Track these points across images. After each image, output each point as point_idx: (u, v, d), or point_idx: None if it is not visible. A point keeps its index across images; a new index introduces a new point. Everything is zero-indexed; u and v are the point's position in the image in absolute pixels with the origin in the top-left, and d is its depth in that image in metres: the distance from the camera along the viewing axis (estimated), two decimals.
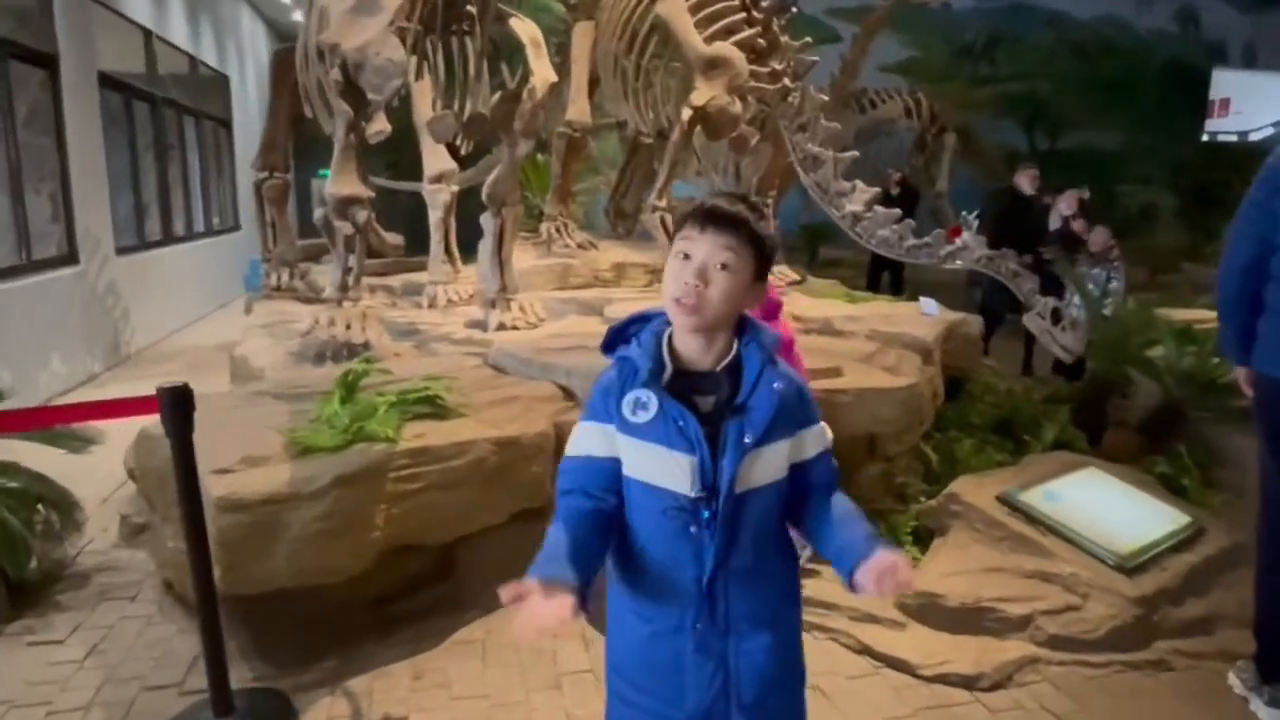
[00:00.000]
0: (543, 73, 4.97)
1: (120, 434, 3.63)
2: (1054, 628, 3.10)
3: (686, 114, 5.65)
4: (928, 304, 5.99)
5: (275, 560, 2.79)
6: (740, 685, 1.53)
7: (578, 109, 6.38)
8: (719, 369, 1.52)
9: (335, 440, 3.05)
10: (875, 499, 4.19)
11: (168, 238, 10.73)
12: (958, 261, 5.29)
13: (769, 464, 1.51)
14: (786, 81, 5.78)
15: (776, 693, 1.58)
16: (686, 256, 1.47)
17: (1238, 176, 19.16)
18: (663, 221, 5.91)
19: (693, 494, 1.47)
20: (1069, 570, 3.23)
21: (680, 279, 1.46)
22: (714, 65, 5.64)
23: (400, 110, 5.93)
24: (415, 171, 6.54)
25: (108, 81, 8.83)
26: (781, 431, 1.51)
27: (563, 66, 6.74)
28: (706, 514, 1.48)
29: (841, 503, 1.60)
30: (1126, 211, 18.25)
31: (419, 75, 5.13)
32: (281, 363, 4.67)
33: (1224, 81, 20.65)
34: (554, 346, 4.27)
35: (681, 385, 1.50)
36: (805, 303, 6.35)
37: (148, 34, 10.24)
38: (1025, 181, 7.32)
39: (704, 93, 5.63)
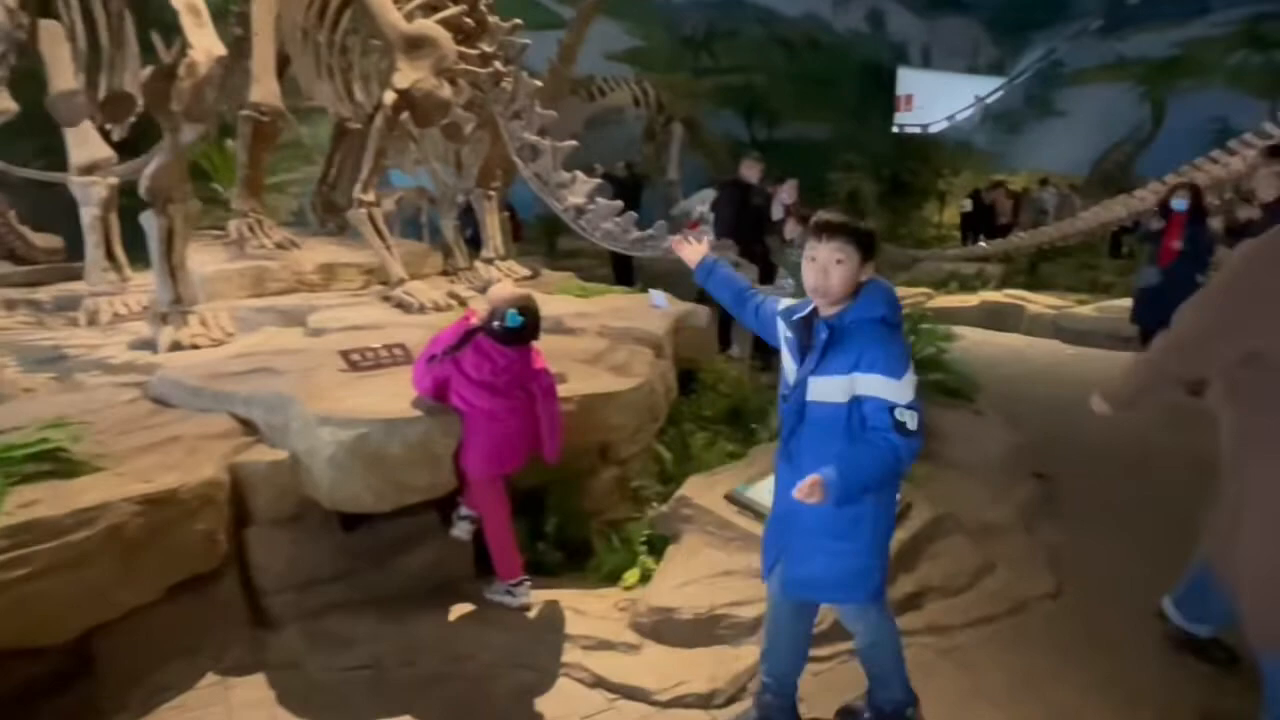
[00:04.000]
0: (204, 44, 4.22)
1: None
2: None
3: (389, 98, 5.12)
4: (657, 296, 5.93)
5: None
6: (801, 516, 2.32)
7: (263, 89, 5.60)
8: (828, 317, 2.25)
9: None
10: (610, 507, 4.00)
11: None
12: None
13: (827, 388, 2.24)
14: (498, 65, 5.42)
15: (822, 536, 2.33)
16: (813, 259, 2.24)
17: (924, 165, 21.74)
18: (370, 217, 5.34)
19: (789, 385, 2.36)
20: None
21: (811, 275, 2.25)
22: (417, 45, 5.15)
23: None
24: None
25: None
26: (832, 367, 2.22)
27: (246, 40, 5.92)
28: (785, 401, 2.37)
29: (855, 454, 2.20)
30: (836, 198, 19.86)
31: (55, 40, 4.18)
32: None
33: (907, 79, 23.23)
34: (233, 370, 3.62)
35: (810, 323, 2.29)
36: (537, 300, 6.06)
37: None
38: (750, 171, 7.54)
39: (408, 75, 5.12)
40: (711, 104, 19.44)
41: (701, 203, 9.97)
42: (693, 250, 2.85)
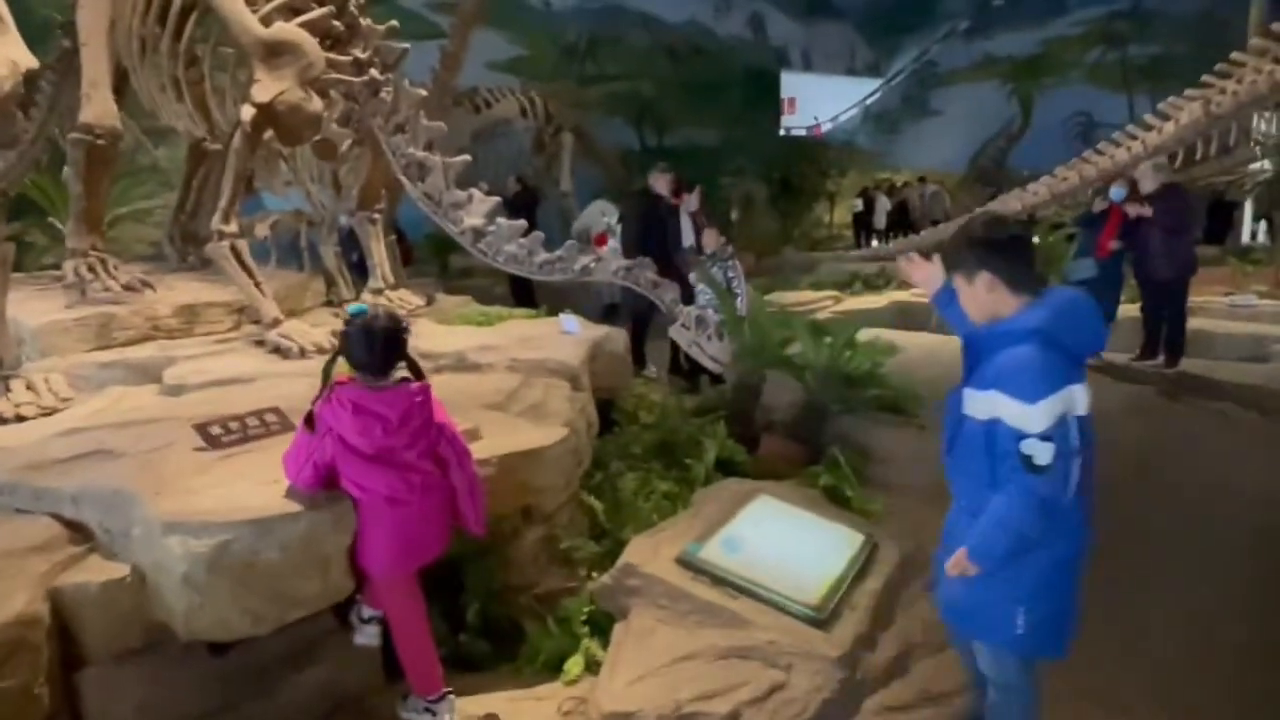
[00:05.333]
0: (6, 54, 3.46)
1: None
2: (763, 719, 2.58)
3: (248, 114, 4.43)
4: (568, 321, 5.43)
5: None
6: (951, 534, 2.37)
7: (96, 108, 4.79)
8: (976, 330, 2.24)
9: None
10: (540, 577, 3.46)
11: None
12: (594, 275, 4.73)
13: (973, 402, 2.17)
14: (374, 73, 4.80)
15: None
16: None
17: (812, 167, 21.98)
18: (234, 250, 4.62)
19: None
20: (766, 639, 2.75)
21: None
22: (277, 52, 4.48)
23: None
24: None
25: None
26: (975, 382, 2.17)
27: (75, 53, 5.09)
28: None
29: (992, 512, 2.11)
30: (729, 203, 19.83)
31: None
32: None
33: (790, 82, 23.48)
34: (58, 455, 2.89)
35: None
36: (433, 332, 5.45)
37: None
38: (659, 183, 7.10)
39: (268, 86, 4.44)
40: (600, 112, 19.05)
41: (602, 214, 9.53)
42: (928, 272, 2.54)
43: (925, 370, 7.78)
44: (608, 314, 9.11)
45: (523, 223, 4.75)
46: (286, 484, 2.48)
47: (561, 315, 5.59)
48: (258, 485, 2.51)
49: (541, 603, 3.28)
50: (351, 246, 7.58)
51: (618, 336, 5.58)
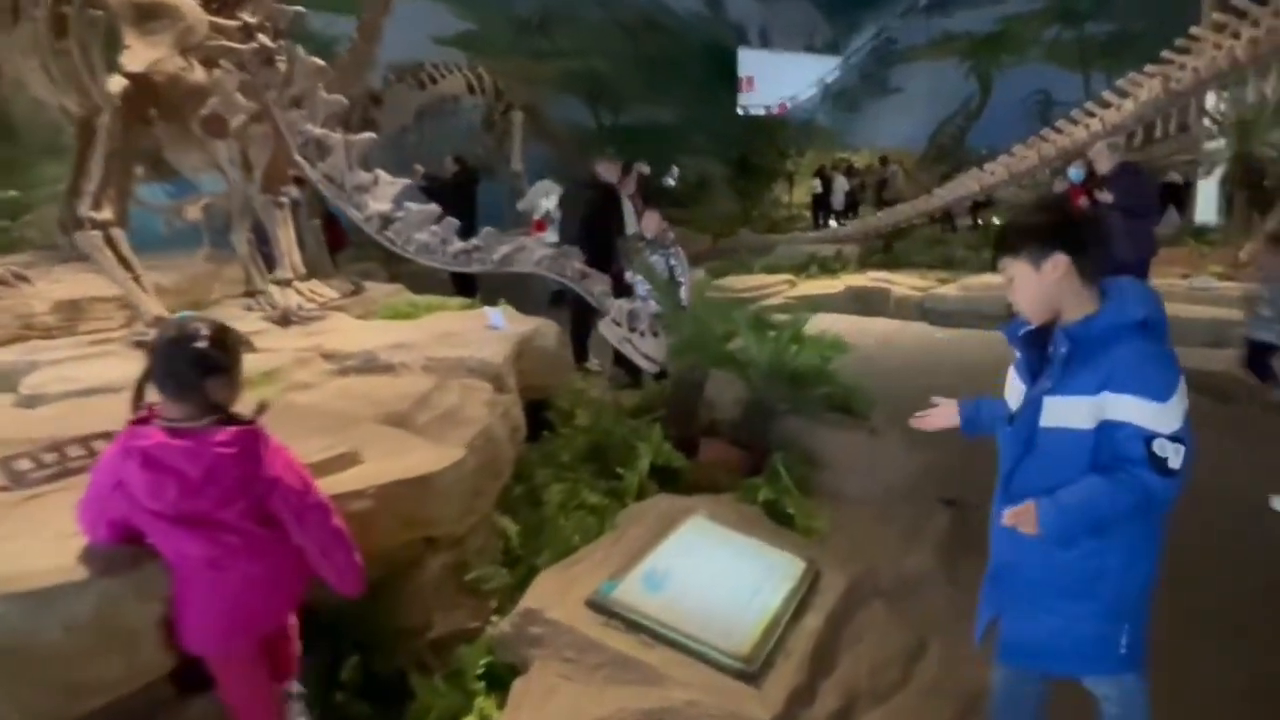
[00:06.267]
0: None
1: None
2: None
3: (117, 85, 3.91)
4: (494, 315, 4.97)
5: None
6: (1024, 567, 2.02)
7: None
8: (1060, 328, 1.93)
9: None
10: (441, 615, 3.02)
11: None
12: (515, 266, 4.28)
13: (1067, 411, 1.89)
14: (265, 39, 4.27)
15: (1053, 595, 1.98)
16: (1010, 279, 1.99)
17: (770, 146, 21.60)
18: (109, 240, 4.10)
19: (1012, 409, 2.05)
20: (685, 699, 2.35)
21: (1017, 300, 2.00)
22: (151, 15, 3.96)
23: None
24: None
25: None
26: (1074, 386, 1.87)
27: None
28: (1010, 428, 2.02)
29: (1089, 484, 1.86)
30: (686, 182, 19.40)
31: None
32: None
33: (748, 60, 23.05)
34: None
35: (1043, 336, 1.97)
36: (345, 329, 4.97)
37: None
38: (607, 172, 6.63)
39: (140, 53, 3.92)
40: (553, 90, 18.45)
41: (545, 195, 9.02)
42: (943, 415, 2.39)
43: (882, 360, 7.48)
44: (556, 301, 8.64)
45: (434, 208, 4.27)
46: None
47: (487, 308, 5.13)
48: (57, 540, 2.03)
49: (438, 649, 2.86)
50: None
51: (549, 331, 5.14)
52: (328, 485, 2.55)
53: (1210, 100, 10.03)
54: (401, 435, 3.08)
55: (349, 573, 2.20)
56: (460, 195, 8.91)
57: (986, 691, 2.73)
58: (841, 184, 18.04)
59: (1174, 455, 1.79)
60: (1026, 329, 2.03)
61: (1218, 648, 3.02)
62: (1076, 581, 1.95)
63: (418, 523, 2.74)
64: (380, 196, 4.23)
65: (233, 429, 1.95)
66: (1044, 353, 1.96)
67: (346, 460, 2.70)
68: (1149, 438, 1.79)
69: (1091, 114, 9.35)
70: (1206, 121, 10.35)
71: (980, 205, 13.66)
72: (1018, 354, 2.09)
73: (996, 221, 13.33)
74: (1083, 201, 7.00)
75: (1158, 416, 1.79)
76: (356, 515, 2.52)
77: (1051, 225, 1.90)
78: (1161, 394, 1.80)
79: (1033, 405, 1.94)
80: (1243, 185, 9.11)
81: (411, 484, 2.64)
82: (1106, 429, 1.84)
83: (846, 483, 3.98)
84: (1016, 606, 2.08)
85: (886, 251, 12.64)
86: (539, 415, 4.75)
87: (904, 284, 9.71)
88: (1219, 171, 9.90)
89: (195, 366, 1.93)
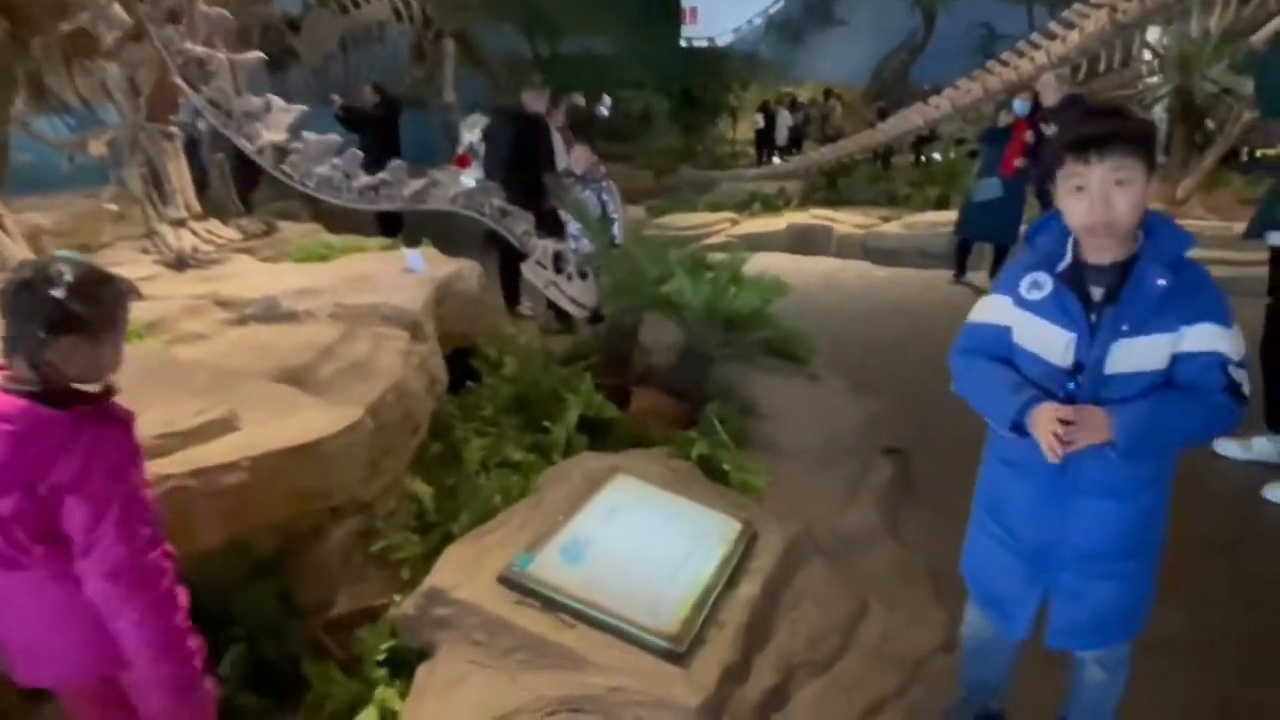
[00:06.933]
0: None
1: None
2: None
3: None
4: (413, 256, 4.60)
5: None
6: (1075, 538, 1.82)
7: None
8: (1113, 263, 1.71)
9: None
10: (347, 590, 2.76)
11: None
12: (428, 202, 3.91)
13: (1145, 354, 1.69)
14: None
15: (1109, 558, 1.82)
16: (1080, 189, 1.66)
17: (713, 79, 21.02)
18: None
19: (1064, 365, 1.74)
20: (608, 684, 2.14)
21: (1082, 211, 1.66)
22: None
23: None
24: None
25: None
26: (1161, 324, 1.68)
27: None
28: (1072, 385, 1.74)
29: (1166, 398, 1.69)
30: (628, 116, 18.81)
31: None
32: None
33: None
34: None
35: (1079, 274, 1.74)
36: (248, 272, 4.57)
37: None
38: (535, 102, 6.17)
39: None
40: (487, 17, 17.52)
41: (470, 129, 8.48)
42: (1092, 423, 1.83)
43: (824, 297, 7.30)
44: (490, 241, 8.22)
45: (335, 138, 3.86)
46: None
47: (405, 249, 4.75)
48: None
49: (338, 630, 2.59)
50: (197, 164, 6.53)
51: (472, 273, 4.81)
52: (195, 457, 2.23)
53: (1153, 34, 9.91)
54: (292, 395, 2.75)
55: (162, 685, 1.67)
56: (381, 127, 8.33)
57: (933, 655, 2.62)
58: (785, 119, 17.67)
59: (1244, 381, 1.69)
60: (1065, 263, 1.76)
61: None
62: (1133, 536, 1.83)
63: (307, 495, 2.43)
64: (274, 125, 3.79)
65: (19, 400, 1.53)
66: (1082, 292, 1.74)
67: (220, 426, 2.37)
68: (1225, 363, 1.67)
69: (1037, 46, 9.14)
70: (1148, 55, 10.24)
71: (923, 140, 13.45)
72: (1036, 292, 1.78)
73: (937, 157, 13.18)
74: (1028, 135, 6.84)
75: (1232, 341, 1.69)
76: (230, 491, 2.21)
77: (1152, 131, 1.71)
78: (1229, 319, 1.69)
79: (1101, 353, 1.71)
80: (1183, 121, 9.02)
81: (295, 453, 2.32)
82: (1181, 362, 1.69)
83: (786, 433, 3.77)
84: (1068, 584, 1.88)
85: (830, 188, 12.41)
86: (464, 365, 4.44)
87: (846, 222, 9.50)
88: (1159, 107, 9.81)
89: (36, 319, 1.51)
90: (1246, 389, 1.69)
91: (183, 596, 1.69)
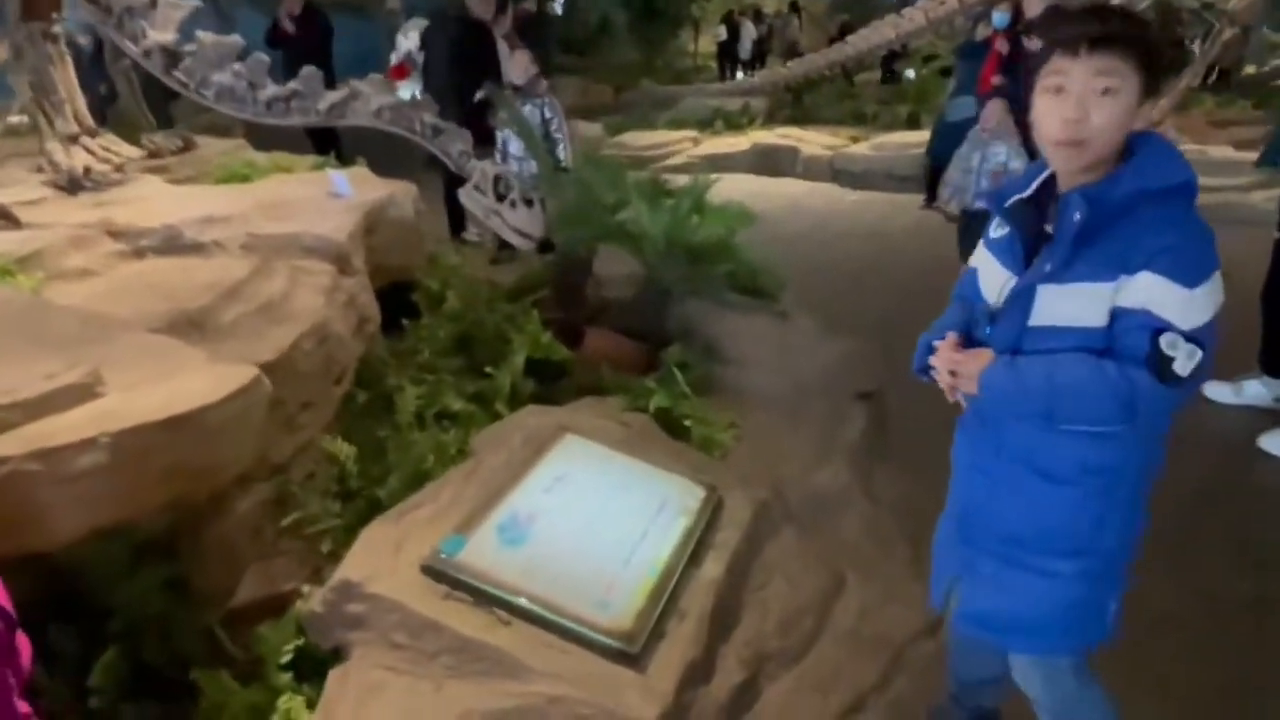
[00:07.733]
0: None
1: None
2: None
3: None
4: (338, 179, 4.10)
5: None
6: (996, 510, 1.59)
7: None
8: (1084, 186, 1.42)
9: None
10: (260, 569, 2.42)
11: None
12: (347, 117, 3.41)
13: (1073, 305, 1.41)
14: None
15: (1035, 549, 1.56)
16: (1059, 90, 1.39)
17: None
18: None
19: (991, 304, 1.55)
20: (549, 693, 1.83)
21: (1057, 115, 1.39)
22: None
23: None
24: None
25: None
26: (1093, 271, 1.39)
27: None
28: (989, 328, 1.53)
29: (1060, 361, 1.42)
30: (587, 26, 17.88)
31: None
32: None
33: None
34: None
35: (1042, 207, 1.51)
36: (151, 195, 4.04)
37: None
38: (481, 7, 5.57)
39: None
40: None
41: (407, 36, 7.73)
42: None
43: (791, 223, 6.93)
44: (431, 165, 7.63)
45: (236, 39, 3.31)
46: None
47: (330, 171, 4.24)
48: None
49: (242, 623, 2.24)
50: (95, 75, 5.88)
51: (406, 197, 4.32)
52: (40, 433, 1.82)
53: None
54: (175, 349, 2.31)
55: None
56: (312, 41, 7.54)
57: (916, 637, 2.36)
58: (750, 31, 16.91)
59: (1184, 358, 1.35)
60: (1018, 196, 1.54)
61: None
62: (1068, 529, 1.54)
63: (189, 474, 2.04)
64: (162, 24, 3.23)
65: None
66: (1040, 229, 1.51)
67: (76, 393, 1.94)
68: (1159, 329, 1.35)
69: None
70: None
71: (894, 56, 12.90)
72: (999, 230, 1.60)
73: (911, 75, 12.67)
74: (1005, 46, 6.41)
75: (1181, 305, 1.35)
76: (86, 475, 1.82)
77: (1157, 38, 1.44)
78: (1191, 278, 1.35)
79: (1023, 298, 1.47)
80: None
81: (168, 425, 1.91)
82: (1117, 319, 1.40)
83: (752, 378, 3.44)
84: (984, 564, 1.66)
85: (796, 105, 11.89)
86: (401, 301, 4.02)
87: (814, 142, 9.07)
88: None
89: None
90: (1182, 367, 1.35)
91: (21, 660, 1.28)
